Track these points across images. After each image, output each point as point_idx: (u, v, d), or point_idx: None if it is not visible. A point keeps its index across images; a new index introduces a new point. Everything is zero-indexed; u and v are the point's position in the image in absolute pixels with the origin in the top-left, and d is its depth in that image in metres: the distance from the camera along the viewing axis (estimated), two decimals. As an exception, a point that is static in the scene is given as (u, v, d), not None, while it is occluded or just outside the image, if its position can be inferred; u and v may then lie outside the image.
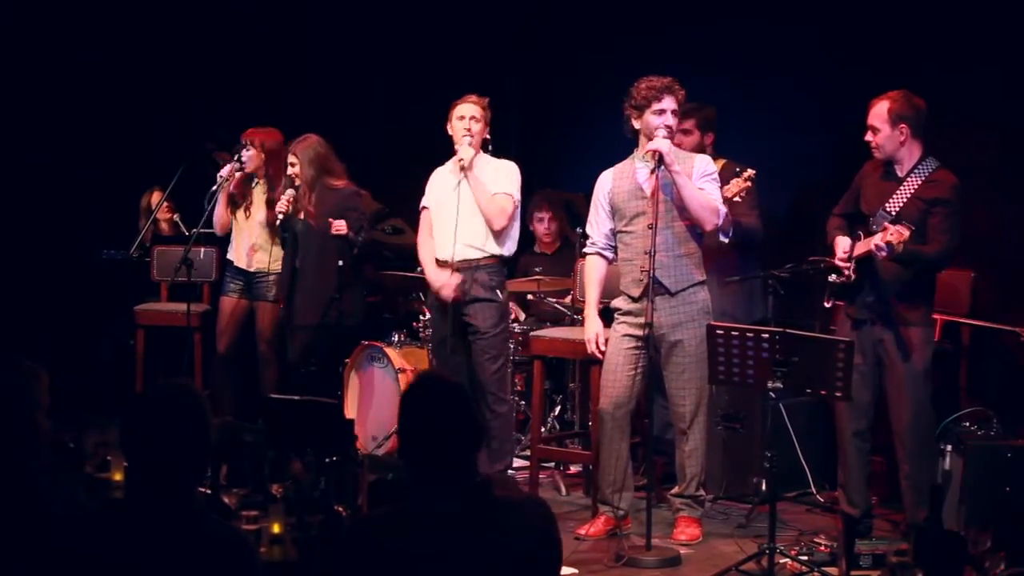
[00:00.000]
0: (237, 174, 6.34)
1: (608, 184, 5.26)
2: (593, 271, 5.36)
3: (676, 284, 5.09)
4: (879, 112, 4.96)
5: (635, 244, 5.11)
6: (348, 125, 6.28)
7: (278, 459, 4.57)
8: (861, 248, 4.95)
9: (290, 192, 6.04)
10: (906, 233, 4.67)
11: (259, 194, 6.45)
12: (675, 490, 5.29)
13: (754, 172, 5.41)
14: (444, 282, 5.60)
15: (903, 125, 4.92)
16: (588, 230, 5.41)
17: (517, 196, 5.63)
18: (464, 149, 5.54)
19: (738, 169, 5.49)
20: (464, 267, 5.57)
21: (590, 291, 5.35)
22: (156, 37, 7.74)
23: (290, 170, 6.08)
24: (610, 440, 5.17)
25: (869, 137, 5.00)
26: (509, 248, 5.66)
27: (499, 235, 5.58)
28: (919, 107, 4.95)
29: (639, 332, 5.06)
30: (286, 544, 4.02)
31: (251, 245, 6.43)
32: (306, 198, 6.07)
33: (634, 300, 5.12)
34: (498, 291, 5.61)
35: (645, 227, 5.03)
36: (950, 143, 5.17)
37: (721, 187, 5.27)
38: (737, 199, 5.43)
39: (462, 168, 5.53)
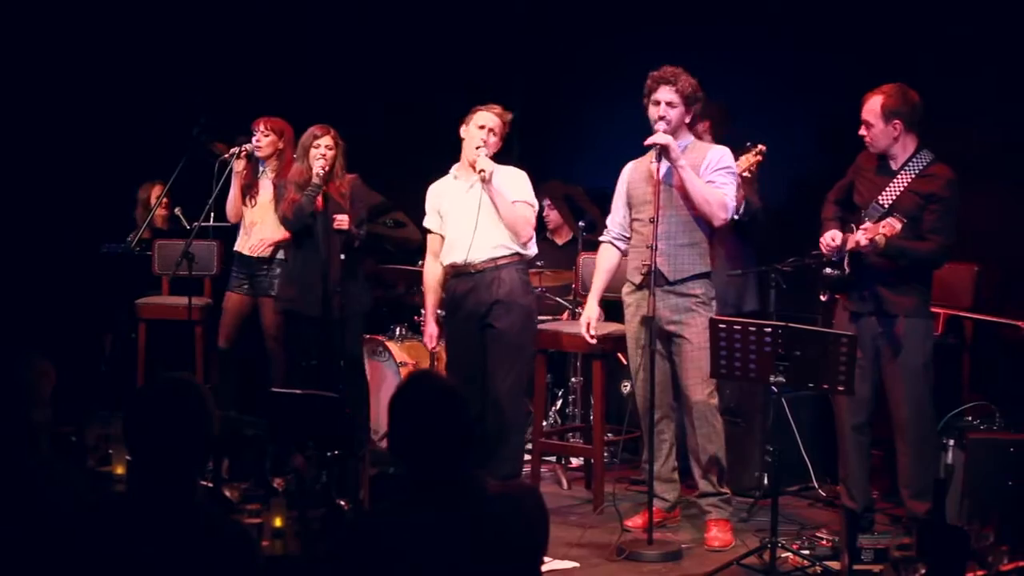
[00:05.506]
0: (244, 160, 6.31)
1: (627, 173, 5.29)
2: (603, 259, 5.36)
3: (675, 274, 5.08)
4: (872, 107, 4.92)
5: (644, 232, 5.10)
6: (350, 118, 6.25)
7: (280, 453, 4.58)
8: (852, 242, 4.93)
9: (322, 163, 5.87)
10: (898, 226, 4.66)
11: (265, 182, 6.43)
12: (700, 488, 5.18)
13: (764, 147, 5.36)
14: (425, 339, 5.68)
15: (896, 121, 4.89)
16: (608, 219, 5.40)
17: (534, 202, 5.51)
18: (483, 160, 5.30)
19: (748, 143, 5.44)
20: (487, 268, 5.38)
21: (597, 278, 5.33)
22: (155, 28, 7.74)
23: (327, 153, 5.90)
24: (651, 434, 5.12)
25: (863, 132, 4.97)
26: (532, 249, 5.51)
27: (524, 241, 5.45)
28: (913, 101, 4.90)
29: (642, 329, 5.06)
30: (287, 538, 4.02)
31: (261, 236, 6.41)
32: (344, 187, 5.97)
33: (636, 287, 5.14)
34: (527, 292, 5.45)
35: (649, 215, 5.04)
36: (951, 135, 5.16)
37: None
38: (747, 174, 5.38)
39: (483, 180, 5.30)
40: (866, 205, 4.99)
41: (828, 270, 5.03)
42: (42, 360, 3.17)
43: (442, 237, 5.55)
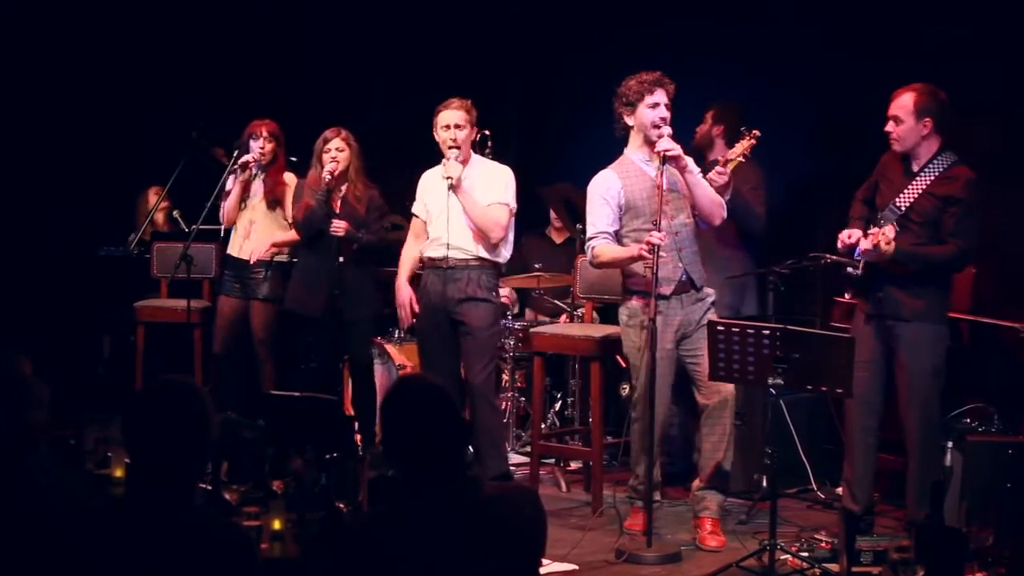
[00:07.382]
0: (251, 166, 6.31)
1: (617, 184, 5.07)
2: (612, 246, 5.08)
3: (700, 279, 5.11)
4: (904, 103, 4.87)
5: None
6: (347, 121, 6.26)
7: (279, 455, 4.58)
8: (862, 247, 4.91)
9: (333, 165, 5.89)
10: (890, 233, 4.63)
11: (258, 185, 6.42)
12: (697, 483, 5.18)
13: (759, 132, 5.33)
14: (401, 301, 5.65)
15: (928, 119, 4.85)
16: (593, 227, 5.10)
17: (513, 203, 5.54)
18: (452, 166, 5.42)
19: (743, 129, 5.41)
20: (458, 266, 5.47)
21: (620, 255, 5.05)
22: (154, 32, 7.73)
23: (337, 155, 5.92)
24: (649, 443, 5.06)
25: (890, 128, 4.90)
26: (504, 255, 5.57)
27: (494, 244, 5.50)
28: (943, 101, 4.88)
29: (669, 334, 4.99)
30: (286, 540, 4.02)
31: (258, 238, 6.40)
32: (359, 190, 5.98)
33: (664, 298, 4.96)
34: (493, 292, 5.54)
35: (665, 224, 4.93)
36: (949, 135, 5.14)
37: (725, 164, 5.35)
38: (741, 159, 5.38)
39: (450, 187, 5.42)
40: (884, 207, 4.96)
41: (849, 269, 4.99)
42: (26, 362, 3.17)
43: (425, 223, 5.65)
